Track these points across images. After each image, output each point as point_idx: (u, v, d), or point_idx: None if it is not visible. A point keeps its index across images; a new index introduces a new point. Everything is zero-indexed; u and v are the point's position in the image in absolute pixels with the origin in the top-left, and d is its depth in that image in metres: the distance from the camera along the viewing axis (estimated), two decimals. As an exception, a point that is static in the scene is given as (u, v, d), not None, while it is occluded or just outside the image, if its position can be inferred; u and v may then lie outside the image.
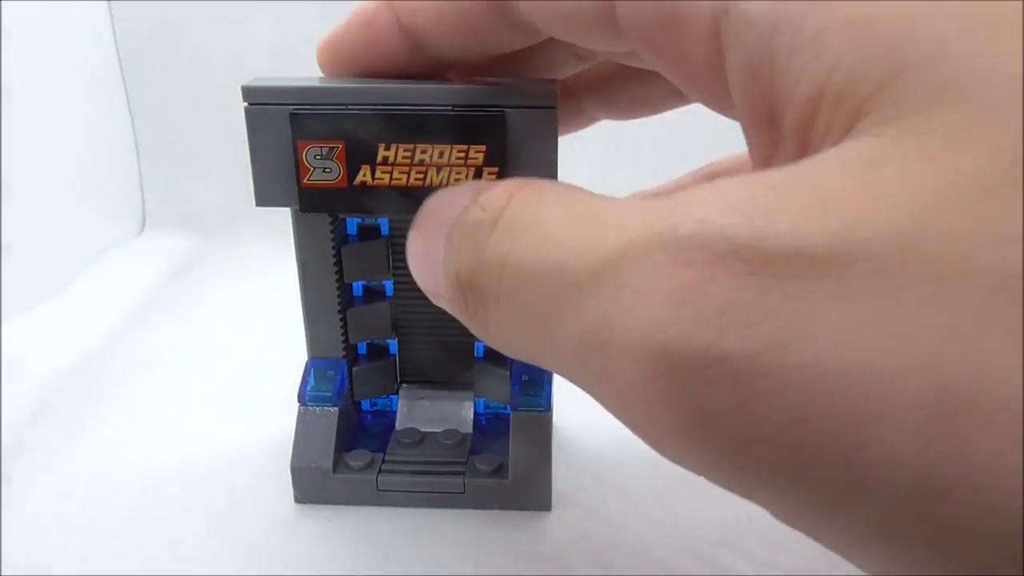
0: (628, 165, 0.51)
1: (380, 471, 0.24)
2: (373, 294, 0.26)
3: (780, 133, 0.11)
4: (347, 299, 0.25)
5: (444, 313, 0.24)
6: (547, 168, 0.19)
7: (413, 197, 0.19)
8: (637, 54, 0.15)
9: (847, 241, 0.09)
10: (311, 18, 0.49)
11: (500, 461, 0.24)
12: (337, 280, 0.24)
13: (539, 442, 0.24)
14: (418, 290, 0.26)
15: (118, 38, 0.50)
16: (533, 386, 0.25)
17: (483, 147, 0.19)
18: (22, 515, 0.25)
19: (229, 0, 0.50)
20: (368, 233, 0.25)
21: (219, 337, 0.38)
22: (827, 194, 0.09)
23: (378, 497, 0.24)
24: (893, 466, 0.08)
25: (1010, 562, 0.08)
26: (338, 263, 0.24)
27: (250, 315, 0.40)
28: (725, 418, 0.09)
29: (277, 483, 0.25)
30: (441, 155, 0.19)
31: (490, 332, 0.14)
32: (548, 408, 0.25)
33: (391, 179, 0.19)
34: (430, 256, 0.15)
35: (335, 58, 0.20)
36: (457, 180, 0.19)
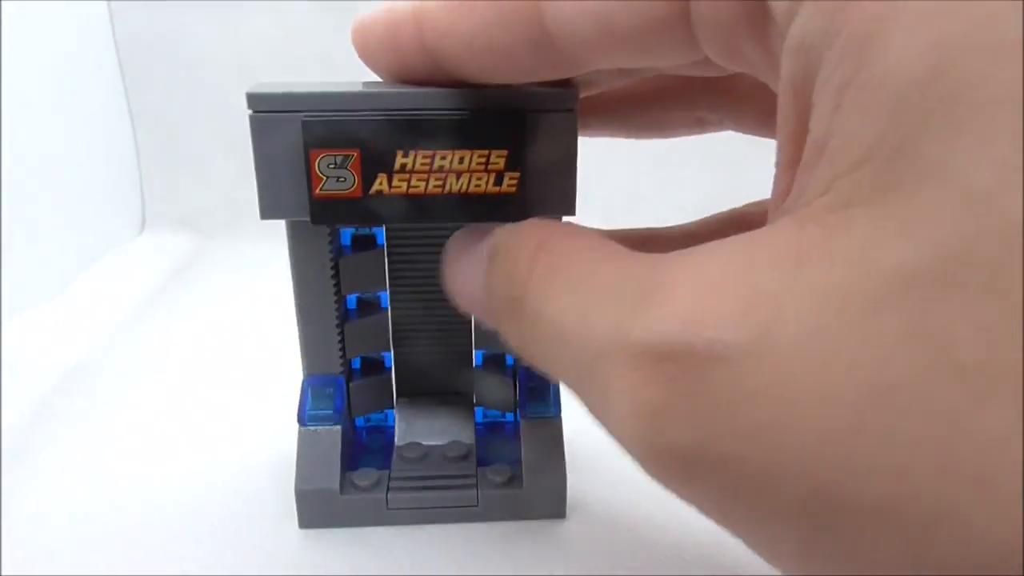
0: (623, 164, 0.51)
1: (389, 489, 0.24)
2: (368, 306, 0.25)
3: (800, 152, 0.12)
4: (344, 313, 0.25)
5: (441, 322, 0.23)
6: (567, 172, 0.19)
7: (431, 205, 0.19)
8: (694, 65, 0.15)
9: (760, 347, 0.11)
10: (311, 20, 0.49)
11: (511, 472, 0.24)
12: (335, 294, 0.23)
13: (551, 449, 0.24)
14: (415, 300, 0.25)
15: (118, 38, 0.50)
16: (540, 393, 0.24)
17: (504, 151, 0.18)
18: (22, 515, 0.25)
19: (229, 1, 0.50)
20: (362, 243, 0.24)
21: (219, 338, 0.38)
22: (753, 296, 0.11)
23: (388, 516, 0.24)
24: (779, 539, 0.11)
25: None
26: (335, 276, 0.23)
27: (250, 316, 0.40)
28: (676, 485, 0.12)
29: (277, 484, 0.25)
30: (461, 161, 0.18)
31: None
32: (557, 414, 0.24)
33: (409, 187, 0.18)
34: (470, 294, 0.18)
35: (366, 46, 0.19)
36: (477, 187, 0.18)
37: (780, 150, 0.13)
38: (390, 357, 0.26)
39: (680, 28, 0.14)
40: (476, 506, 0.24)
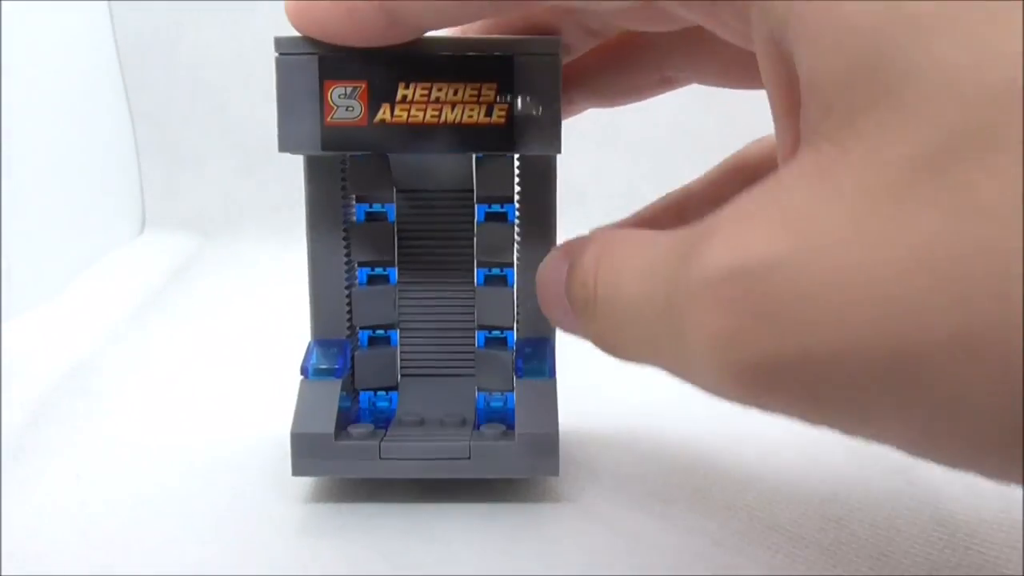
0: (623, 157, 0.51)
1: (383, 439, 0.24)
2: (378, 281, 0.27)
3: (798, 105, 0.13)
4: (353, 281, 0.26)
5: (446, 305, 0.26)
6: (552, 112, 0.22)
7: (427, 135, 0.21)
8: (651, 12, 0.16)
9: (803, 248, 0.12)
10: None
11: (504, 429, 0.24)
12: (346, 260, 0.25)
13: (544, 404, 0.24)
14: (421, 281, 0.27)
15: (118, 38, 0.50)
16: (536, 358, 0.25)
17: (494, 84, 0.21)
18: (22, 515, 0.25)
19: (229, 1, 0.50)
20: (374, 220, 0.26)
21: (219, 337, 0.38)
22: (785, 212, 0.12)
23: (380, 467, 0.24)
24: (877, 413, 0.12)
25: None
26: (347, 244, 0.25)
27: (249, 316, 0.40)
28: (767, 398, 0.13)
29: (277, 484, 0.25)
30: (455, 92, 0.21)
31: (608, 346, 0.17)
32: (552, 375, 0.25)
33: (408, 116, 0.21)
34: (557, 308, 0.19)
35: (307, 22, 0.21)
36: (470, 117, 0.21)
37: (773, 100, 0.14)
38: (396, 337, 0.27)
39: None
40: (468, 458, 0.24)
